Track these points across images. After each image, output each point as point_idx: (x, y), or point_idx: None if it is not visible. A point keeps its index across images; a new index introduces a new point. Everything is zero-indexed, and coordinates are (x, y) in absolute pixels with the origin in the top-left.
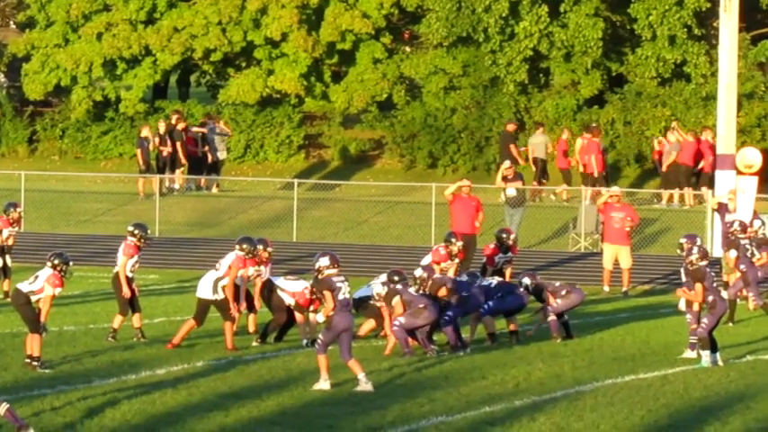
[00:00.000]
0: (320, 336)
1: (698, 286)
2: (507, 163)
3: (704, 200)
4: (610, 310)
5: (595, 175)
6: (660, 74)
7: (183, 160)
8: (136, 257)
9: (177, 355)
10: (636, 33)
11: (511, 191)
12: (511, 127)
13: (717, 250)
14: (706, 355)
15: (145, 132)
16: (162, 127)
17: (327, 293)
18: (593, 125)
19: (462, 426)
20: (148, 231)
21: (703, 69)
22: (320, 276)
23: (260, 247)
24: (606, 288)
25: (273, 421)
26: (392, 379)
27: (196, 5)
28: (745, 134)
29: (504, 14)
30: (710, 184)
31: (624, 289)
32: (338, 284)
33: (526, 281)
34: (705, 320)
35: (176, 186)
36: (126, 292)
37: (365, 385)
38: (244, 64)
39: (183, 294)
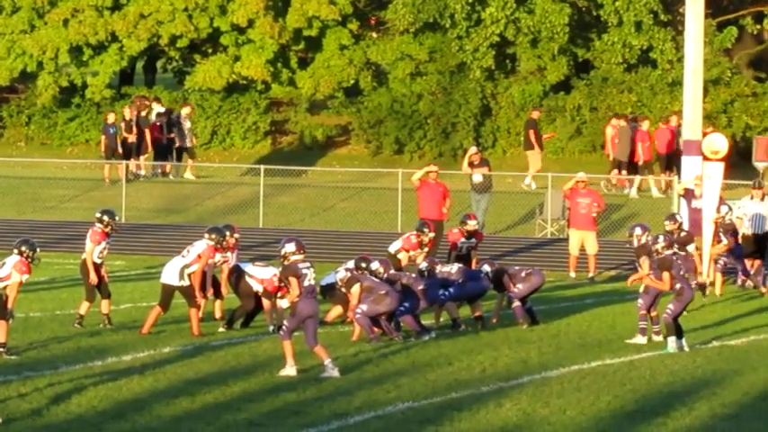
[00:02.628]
0: (285, 322)
1: (665, 275)
2: (474, 149)
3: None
4: (576, 295)
5: (641, 162)
6: (626, 60)
7: (150, 147)
8: (104, 244)
9: (144, 341)
10: (602, 19)
11: (477, 177)
12: (536, 114)
13: None
14: (672, 341)
15: (111, 119)
16: (128, 113)
17: (293, 280)
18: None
19: (429, 412)
20: (116, 218)
21: (669, 55)
22: (286, 262)
23: (226, 233)
24: (572, 274)
25: (240, 407)
26: (359, 365)
27: None
28: (711, 120)
29: (470, 0)
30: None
31: (590, 275)
32: (304, 271)
33: (486, 267)
34: (671, 306)
35: (142, 173)
36: (93, 278)
37: (331, 371)
38: (210, 50)
39: (150, 281)
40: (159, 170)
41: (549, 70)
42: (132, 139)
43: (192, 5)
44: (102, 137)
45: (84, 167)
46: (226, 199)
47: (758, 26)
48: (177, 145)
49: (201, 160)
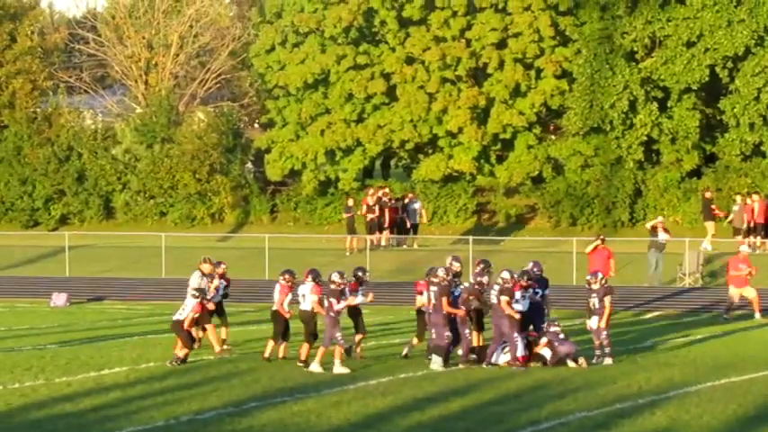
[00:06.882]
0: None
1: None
2: (660, 218)
3: None
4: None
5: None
6: (743, 152)
7: (397, 227)
8: (290, 296)
9: (385, 369)
10: (724, 122)
11: (662, 236)
12: (708, 194)
13: None
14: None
15: (350, 203)
16: (371, 199)
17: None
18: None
19: (600, 419)
20: (295, 276)
21: None
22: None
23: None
24: (757, 315)
25: (459, 417)
26: (544, 384)
27: (394, 108)
28: None
29: (624, 110)
30: None
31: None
32: None
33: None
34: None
35: (383, 243)
36: (287, 314)
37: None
38: (430, 150)
39: (389, 325)
40: (395, 241)
41: (685, 161)
42: (372, 218)
43: (417, 118)
44: (345, 215)
45: (337, 241)
46: (444, 263)
47: None
48: (409, 224)
49: (425, 233)
